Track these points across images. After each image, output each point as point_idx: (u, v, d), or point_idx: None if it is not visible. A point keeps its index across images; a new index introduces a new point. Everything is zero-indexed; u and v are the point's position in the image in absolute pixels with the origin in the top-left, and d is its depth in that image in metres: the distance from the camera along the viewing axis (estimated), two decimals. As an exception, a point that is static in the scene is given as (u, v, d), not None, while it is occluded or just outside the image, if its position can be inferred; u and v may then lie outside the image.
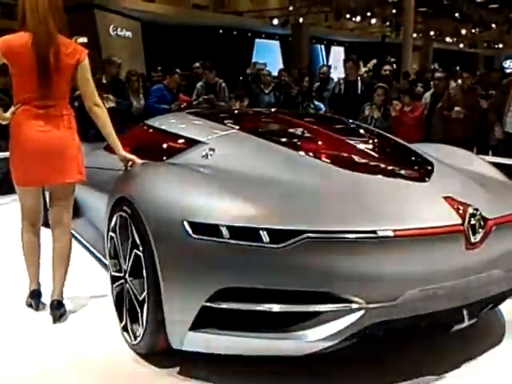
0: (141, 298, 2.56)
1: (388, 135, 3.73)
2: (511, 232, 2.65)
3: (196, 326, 2.34)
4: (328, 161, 2.87)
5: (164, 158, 3.31)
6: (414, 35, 19.50)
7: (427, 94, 7.76)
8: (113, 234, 2.88)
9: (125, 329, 2.75)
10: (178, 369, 2.58)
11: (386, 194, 2.58)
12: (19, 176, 3.11)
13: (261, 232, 2.22)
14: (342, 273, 2.23)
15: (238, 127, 3.39)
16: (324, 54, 28.36)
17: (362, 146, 3.13)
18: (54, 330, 3.01)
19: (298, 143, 3.20)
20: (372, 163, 2.93)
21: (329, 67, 10.49)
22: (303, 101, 8.05)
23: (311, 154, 2.93)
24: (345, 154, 3.03)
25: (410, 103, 6.85)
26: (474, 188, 2.81)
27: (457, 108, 6.87)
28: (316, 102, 8.29)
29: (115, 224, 2.83)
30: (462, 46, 28.89)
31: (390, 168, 2.88)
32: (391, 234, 2.27)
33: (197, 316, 2.32)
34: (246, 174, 2.71)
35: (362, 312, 2.24)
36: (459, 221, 2.42)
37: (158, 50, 18.36)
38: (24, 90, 3.02)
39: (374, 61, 10.07)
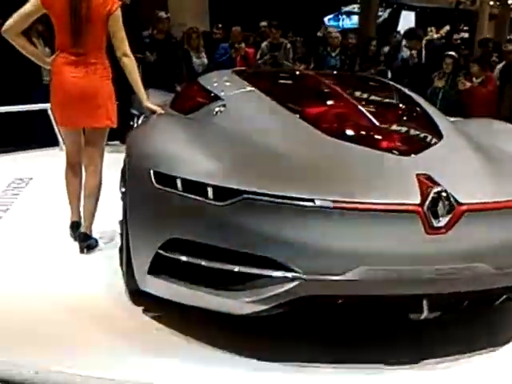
0: (122, 241, 2.83)
1: (418, 101, 3.38)
2: (505, 221, 2.32)
3: (153, 270, 2.48)
4: (314, 125, 2.76)
5: (189, 111, 3.44)
6: (491, 3, 18.53)
7: (499, 66, 7.44)
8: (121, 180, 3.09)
9: (123, 269, 2.92)
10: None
11: (347, 164, 2.44)
12: (57, 117, 3.47)
13: (208, 188, 2.29)
14: (280, 239, 2.19)
15: (258, 86, 3.38)
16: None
17: (369, 113, 2.89)
18: (80, 258, 3.34)
19: (302, 106, 3.12)
20: (361, 131, 2.81)
21: (398, 33, 10.18)
22: (367, 66, 7.85)
23: (304, 116, 2.90)
24: (341, 120, 2.93)
25: (479, 74, 6.32)
26: (471, 169, 2.52)
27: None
28: (381, 68, 8.06)
29: (122, 171, 3.04)
30: (542, 16, 27.31)
31: (375, 137, 2.71)
32: (330, 204, 2.17)
33: (152, 261, 2.46)
34: (234, 132, 2.76)
35: (297, 282, 2.19)
36: (417, 201, 2.21)
37: (224, 8, 18.20)
38: (60, 37, 3.29)
39: (447, 27, 9.68)
